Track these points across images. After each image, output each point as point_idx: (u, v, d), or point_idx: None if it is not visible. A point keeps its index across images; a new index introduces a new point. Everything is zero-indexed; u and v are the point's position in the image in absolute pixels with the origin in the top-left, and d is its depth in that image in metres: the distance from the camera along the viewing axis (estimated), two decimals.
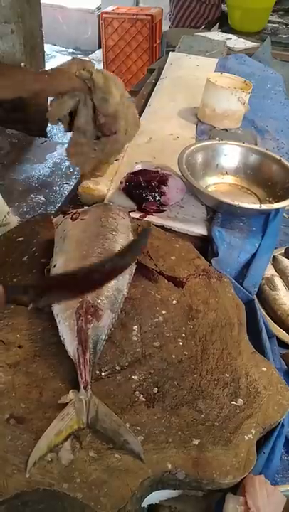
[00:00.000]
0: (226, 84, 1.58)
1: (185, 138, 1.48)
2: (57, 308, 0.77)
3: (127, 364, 0.74)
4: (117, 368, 0.73)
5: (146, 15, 4.44)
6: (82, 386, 0.67)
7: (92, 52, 5.83)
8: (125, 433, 0.62)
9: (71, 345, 0.71)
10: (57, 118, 1.09)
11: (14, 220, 1.21)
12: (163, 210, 1.16)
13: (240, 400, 0.70)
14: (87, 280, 0.71)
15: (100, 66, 5.00)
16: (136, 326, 0.81)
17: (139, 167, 1.19)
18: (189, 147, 1.27)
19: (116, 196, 1.18)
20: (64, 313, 0.75)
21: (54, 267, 0.84)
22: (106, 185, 1.23)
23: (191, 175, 1.17)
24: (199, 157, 1.28)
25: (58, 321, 0.75)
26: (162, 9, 4.55)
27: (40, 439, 0.61)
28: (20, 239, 1.00)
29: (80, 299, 0.75)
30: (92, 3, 5.83)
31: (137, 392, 0.70)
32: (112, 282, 0.79)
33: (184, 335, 0.80)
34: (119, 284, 0.81)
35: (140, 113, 1.66)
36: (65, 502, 0.57)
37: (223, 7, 3.15)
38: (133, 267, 0.87)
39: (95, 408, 0.65)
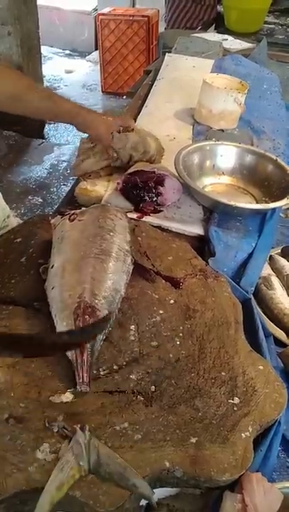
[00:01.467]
0: (222, 85, 1.59)
1: (182, 139, 1.49)
2: (54, 309, 0.77)
3: (124, 363, 0.75)
4: (115, 367, 0.74)
5: (143, 16, 4.45)
6: (78, 386, 0.68)
7: (89, 53, 5.84)
8: (132, 476, 0.59)
9: None
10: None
11: (14, 223, 1.21)
12: (160, 211, 1.17)
13: (237, 398, 0.71)
14: (40, 345, 0.65)
15: (96, 67, 5.03)
16: (133, 326, 0.81)
17: (135, 168, 1.19)
18: (186, 148, 1.27)
19: (113, 197, 1.19)
20: (62, 314, 0.75)
21: (52, 267, 0.85)
22: (103, 186, 1.24)
23: (187, 175, 1.17)
24: (196, 158, 1.29)
25: (55, 321, 0.76)
26: (159, 10, 4.56)
27: (41, 496, 0.56)
28: (18, 240, 1.00)
29: (78, 299, 0.75)
30: (88, 4, 5.83)
31: (135, 391, 0.71)
32: (110, 282, 0.80)
33: (181, 334, 0.81)
34: (117, 285, 0.82)
35: (137, 114, 1.67)
36: (64, 500, 0.57)
37: (219, 8, 3.16)
38: (131, 268, 0.87)
39: (96, 451, 0.60)
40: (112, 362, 0.75)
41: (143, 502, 0.64)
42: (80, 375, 0.69)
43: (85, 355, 0.70)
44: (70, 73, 5.42)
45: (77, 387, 0.68)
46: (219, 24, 3.13)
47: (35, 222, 1.08)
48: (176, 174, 1.20)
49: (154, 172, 1.17)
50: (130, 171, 1.18)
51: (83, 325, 0.72)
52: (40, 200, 3.14)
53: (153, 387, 0.72)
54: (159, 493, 0.65)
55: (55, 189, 3.26)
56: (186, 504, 0.66)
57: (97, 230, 0.90)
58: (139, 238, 1.03)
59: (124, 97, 4.73)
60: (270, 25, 3.09)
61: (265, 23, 3.06)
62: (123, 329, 0.80)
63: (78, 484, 0.58)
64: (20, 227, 1.07)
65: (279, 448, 0.71)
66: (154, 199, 1.16)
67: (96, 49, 5.35)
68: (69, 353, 0.71)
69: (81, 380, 0.68)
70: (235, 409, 0.69)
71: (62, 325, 0.74)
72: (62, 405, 0.68)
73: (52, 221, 0.99)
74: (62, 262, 0.84)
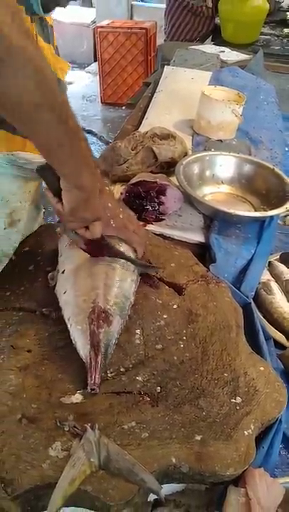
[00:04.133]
0: (220, 97, 1.63)
1: None
2: (69, 312, 0.81)
3: (131, 366, 0.78)
4: (121, 369, 0.77)
5: (141, 28, 4.52)
6: (89, 387, 0.71)
7: (88, 65, 5.92)
8: (140, 472, 0.61)
9: (84, 349, 0.75)
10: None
11: None
12: (162, 219, 1.21)
13: (240, 397, 0.74)
14: None
15: (95, 79, 5.09)
16: (139, 330, 0.85)
17: (138, 178, 1.23)
18: (186, 158, 1.31)
19: None
20: (76, 318, 0.79)
21: (63, 272, 0.88)
22: None
23: (188, 185, 1.21)
24: (196, 168, 1.33)
25: (69, 325, 0.79)
26: (156, 22, 4.64)
27: (54, 491, 0.59)
28: (26, 249, 1.04)
29: (92, 304, 0.79)
30: (87, 17, 5.93)
31: (142, 392, 0.74)
32: (120, 289, 0.84)
33: (184, 337, 0.84)
34: (127, 292, 0.86)
35: (138, 125, 1.72)
36: (76, 495, 0.60)
37: (216, 20, 3.22)
38: (138, 278, 0.92)
39: (106, 448, 0.63)
40: (119, 364, 0.78)
41: (151, 498, 0.67)
42: (93, 376, 0.71)
43: (99, 358, 0.73)
44: (70, 84, 5.49)
45: (88, 387, 0.71)
46: (216, 36, 3.20)
47: (41, 232, 1.11)
48: (177, 184, 1.24)
49: (155, 182, 1.21)
50: (133, 181, 1.22)
51: (97, 329, 0.76)
52: (43, 209, 3.18)
53: (158, 388, 0.75)
54: (166, 489, 0.68)
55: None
56: (192, 499, 0.69)
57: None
58: (144, 247, 1.06)
59: (124, 107, 4.80)
60: (266, 36, 3.15)
61: (261, 34, 3.11)
62: (129, 333, 0.83)
63: (89, 479, 0.61)
64: (28, 237, 1.11)
65: (280, 445, 0.74)
66: (156, 208, 1.20)
67: (95, 60, 5.43)
68: (83, 355, 0.74)
69: (93, 381, 0.71)
70: (237, 408, 0.72)
71: (76, 328, 0.77)
72: (72, 406, 0.71)
73: (57, 230, 1.03)
74: (74, 267, 0.88)
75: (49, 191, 0.80)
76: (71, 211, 0.79)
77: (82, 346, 0.75)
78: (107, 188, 0.92)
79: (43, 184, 0.84)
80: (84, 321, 0.78)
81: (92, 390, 0.71)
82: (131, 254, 0.93)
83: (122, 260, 0.90)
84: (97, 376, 0.72)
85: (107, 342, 0.76)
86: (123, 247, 0.92)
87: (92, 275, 0.85)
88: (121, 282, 0.86)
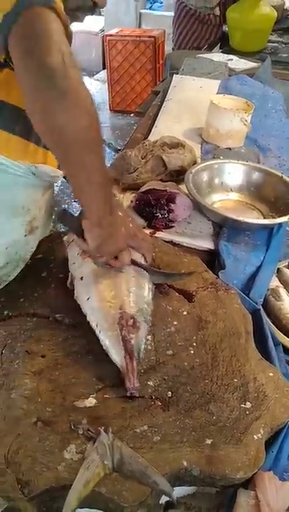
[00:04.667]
0: (228, 105, 1.65)
1: None
2: (96, 318, 0.83)
3: (142, 371, 0.80)
4: None
5: (149, 36, 4.56)
6: (129, 391, 0.74)
7: (97, 72, 5.97)
8: (153, 474, 0.63)
9: (118, 355, 0.78)
10: None
11: None
12: (171, 226, 1.23)
13: (249, 402, 0.75)
14: None
15: (104, 86, 5.14)
16: (150, 336, 0.86)
17: (148, 186, 1.26)
18: (195, 166, 1.34)
19: None
20: (105, 323, 0.81)
21: (82, 279, 0.91)
22: None
23: (197, 192, 1.23)
24: (205, 176, 1.35)
25: (98, 331, 0.81)
26: (165, 30, 4.68)
27: (69, 493, 0.61)
28: (39, 256, 1.06)
29: (120, 310, 0.82)
30: (95, 25, 5.98)
31: (153, 397, 0.75)
32: (142, 296, 0.87)
33: (194, 344, 0.86)
34: (147, 299, 0.88)
35: (147, 134, 1.74)
36: (91, 497, 0.62)
37: (224, 28, 3.25)
38: (152, 284, 0.94)
39: (119, 451, 0.65)
40: None
41: (162, 500, 0.69)
42: (131, 380, 0.74)
43: (134, 363, 0.76)
44: None
45: (128, 392, 0.74)
46: (224, 43, 3.22)
47: (53, 239, 1.14)
48: (187, 192, 1.26)
49: (165, 190, 1.23)
50: (143, 189, 1.25)
51: (128, 334, 0.79)
52: (53, 216, 3.20)
53: (169, 392, 0.76)
54: (177, 491, 0.69)
55: (66, 206, 3.33)
56: (203, 502, 0.70)
57: None
58: (152, 253, 1.08)
59: (132, 115, 4.84)
60: (273, 44, 3.16)
61: (269, 41, 3.12)
62: None
63: (103, 481, 0.63)
64: (40, 244, 1.13)
65: None
66: (166, 215, 1.22)
67: (104, 68, 5.48)
68: (118, 361, 0.77)
69: (132, 385, 0.74)
70: (247, 413, 0.74)
71: (106, 335, 0.80)
72: (86, 410, 0.73)
73: (65, 238, 1.05)
74: (92, 273, 0.90)
75: (72, 233, 0.86)
76: (97, 249, 0.84)
77: (116, 352, 0.78)
78: (116, 198, 0.96)
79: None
80: (114, 327, 0.80)
81: (131, 394, 0.74)
82: (141, 261, 0.95)
83: (138, 268, 0.92)
84: (135, 380, 0.74)
85: (138, 347, 0.79)
86: (134, 255, 0.94)
87: (114, 282, 0.88)
88: (141, 289, 0.89)
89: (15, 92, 0.80)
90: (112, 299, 0.84)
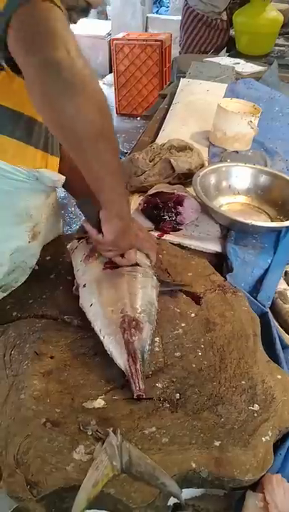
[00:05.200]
0: (235, 109, 1.66)
1: None
2: (99, 324, 0.83)
3: (150, 373, 0.80)
4: None
5: (156, 40, 4.58)
6: (135, 394, 0.74)
7: (104, 76, 6.00)
8: (161, 475, 0.63)
9: (121, 358, 0.78)
10: None
11: None
12: (179, 229, 1.23)
13: (257, 405, 0.75)
14: None
15: (111, 90, 5.16)
16: (158, 338, 0.87)
17: (156, 189, 1.26)
18: (203, 169, 1.34)
19: (135, 217, 1.24)
20: (108, 329, 0.81)
21: (84, 286, 0.91)
22: None
23: (205, 195, 1.24)
24: (212, 179, 1.35)
25: (102, 337, 0.82)
26: (171, 34, 4.69)
27: (78, 493, 0.61)
28: (48, 258, 1.07)
29: (121, 314, 0.82)
30: (102, 29, 6.02)
31: (161, 398, 0.76)
32: (145, 296, 0.88)
33: (202, 346, 0.86)
34: (150, 298, 0.88)
35: (154, 137, 1.75)
36: (99, 497, 0.62)
37: (231, 32, 3.26)
38: (158, 283, 0.94)
39: (128, 452, 0.65)
40: None
41: (170, 502, 0.69)
42: (137, 383, 0.74)
43: (138, 365, 0.76)
44: None
45: (134, 395, 0.74)
46: (231, 47, 3.23)
47: (61, 242, 1.14)
48: (194, 194, 1.27)
49: (173, 193, 1.23)
50: (151, 192, 1.25)
51: (131, 337, 0.79)
52: (61, 220, 3.21)
53: (178, 394, 0.76)
54: (186, 493, 0.69)
55: (73, 209, 3.34)
56: (211, 504, 0.70)
57: None
58: (160, 255, 1.09)
59: (138, 118, 4.85)
60: (280, 48, 3.16)
61: (276, 45, 3.13)
62: None
63: (112, 482, 0.63)
64: (49, 246, 1.14)
65: None
66: (174, 218, 1.23)
67: (110, 72, 5.50)
68: (122, 364, 0.77)
69: (138, 388, 0.74)
70: (255, 415, 0.74)
71: (109, 339, 0.80)
72: (95, 411, 0.73)
73: (68, 246, 1.06)
74: (94, 280, 0.91)
75: (88, 223, 0.86)
76: (113, 241, 0.85)
77: (119, 356, 0.78)
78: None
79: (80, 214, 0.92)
80: (116, 331, 0.80)
81: (138, 396, 0.74)
82: (145, 261, 0.96)
83: (141, 267, 0.93)
84: (140, 383, 0.74)
85: (142, 349, 0.79)
86: (137, 254, 0.95)
87: (115, 286, 0.88)
88: (144, 289, 0.89)
89: (12, 95, 0.80)
90: (114, 303, 0.85)
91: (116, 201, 0.80)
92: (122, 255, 0.90)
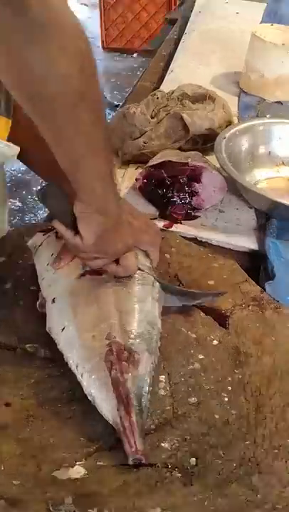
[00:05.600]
0: (278, 39, 1.66)
1: None
2: (75, 358, 0.82)
3: (153, 428, 0.80)
4: None
5: None
6: (131, 458, 0.73)
7: None
8: None
9: (108, 406, 0.76)
10: None
11: None
12: (196, 217, 1.24)
13: None
14: None
15: (94, 14, 5.16)
16: (163, 376, 0.86)
17: (161, 158, 1.26)
18: (230, 129, 1.34)
19: (130, 199, 1.25)
20: (88, 364, 0.81)
21: (54, 302, 0.91)
22: None
23: (233, 167, 1.24)
24: (244, 142, 1.36)
25: (79, 375, 0.81)
26: None
27: None
28: (2, 260, 1.07)
29: (107, 341, 0.81)
30: None
31: (169, 465, 0.75)
32: (141, 313, 0.88)
33: (229, 387, 0.86)
34: (150, 316, 0.88)
35: (158, 82, 1.75)
36: None
37: None
38: (162, 292, 0.94)
39: None
40: None
41: None
42: (131, 441, 0.73)
43: (134, 415, 0.75)
44: None
45: (130, 459, 0.73)
46: None
47: (15, 237, 1.14)
48: (218, 165, 1.27)
49: (186, 163, 1.23)
50: (153, 162, 1.25)
51: (122, 374, 0.78)
52: (19, 204, 3.21)
53: (193, 459, 0.76)
54: None
55: (38, 187, 3.35)
56: None
57: None
58: (167, 255, 1.09)
59: (135, 55, 4.87)
60: None
61: None
62: None
63: None
64: (2, 243, 1.13)
65: None
66: (187, 201, 1.24)
67: None
68: (109, 416, 0.76)
69: (134, 449, 0.72)
70: None
71: (91, 379, 0.79)
72: (71, 483, 0.72)
73: (29, 243, 1.06)
74: (68, 292, 0.91)
75: (59, 223, 0.85)
76: (95, 245, 0.85)
77: (105, 403, 0.77)
78: None
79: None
80: (100, 366, 0.79)
81: (135, 461, 0.73)
82: (143, 262, 0.96)
83: (138, 272, 0.93)
84: (137, 442, 0.72)
85: (139, 391, 0.78)
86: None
87: (98, 300, 0.88)
88: (140, 304, 0.89)
89: None
90: (96, 326, 0.84)
91: (98, 190, 0.80)
92: (117, 261, 0.90)
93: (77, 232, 0.84)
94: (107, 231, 0.84)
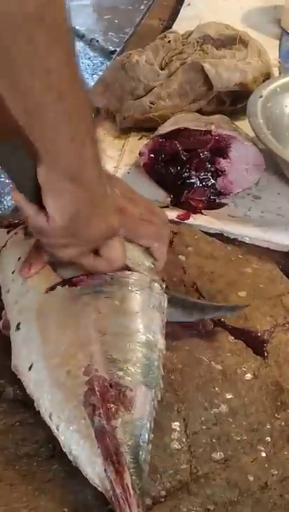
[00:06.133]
0: None
1: None
2: (46, 404, 0.82)
3: (164, 494, 0.80)
4: (148, 500, 0.78)
5: None
6: None
7: None
8: None
9: (91, 467, 0.75)
10: None
11: None
12: (221, 205, 1.24)
13: None
14: None
15: None
16: (177, 423, 0.87)
17: (174, 125, 1.26)
18: (268, 84, 1.34)
19: (131, 179, 1.25)
20: (63, 411, 0.80)
21: (18, 328, 0.90)
22: (111, 158, 1.31)
23: (273, 136, 1.24)
24: (288, 102, 1.35)
25: (54, 427, 0.80)
26: None
27: None
28: None
29: (86, 376, 0.80)
30: None
31: None
32: (132, 335, 0.86)
33: (268, 438, 0.86)
34: (148, 333, 0.86)
35: (171, 19, 1.75)
36: None
37: None
38: (163, 298, 0.92)
39: None
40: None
41: None
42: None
43: (127, 477, 0.73)
44: None
45: None
46: None
47: None
48: (252, 134, 1.27)
49: (209, 132, 1.23)
50: (164, 129, 1.25)
51: (108, 421, 0.77)
52: None
53: None
54: None
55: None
56: None
57: None
58: (181, 257, 1.09)
59: None
60: None
61: None
62: (159, 429, 0.85)
63: None
64: None
65: None
66: (211, 183, 1.24)
67: None
68: (96, 480, 0.75)
69: None
70: None
71: (68, 431, 0.78)
72: None
73: None
74: (34, 312, 0.90)
75: (18, 193, 0.83)
76: (66, 226, 0.82)
77: (89, 463, 0.76)
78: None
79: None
80: (79, 413, 0.78)
81: None
82: (143, 262, 0.95)
83: (126, 273, 0.91)
84: (133, 509, 0.72)
85: (134, 442, 0.76)
86: (127, 249, 0.94)
87: (73, 319, 0.87)
88: (132, 317, 0.88)
89: None
90: (71, 357, 0.83)
91: (68, 148, 0.77)
92: (97, 252, 0.90)
93: (42, 208, 0.81)
94: (83, 207, 0.81)
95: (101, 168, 0.83)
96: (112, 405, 0.77)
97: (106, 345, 0.84)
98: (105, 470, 0.74)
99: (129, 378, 0.81)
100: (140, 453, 0.76)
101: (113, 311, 0.88)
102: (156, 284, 0.93)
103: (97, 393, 0.78)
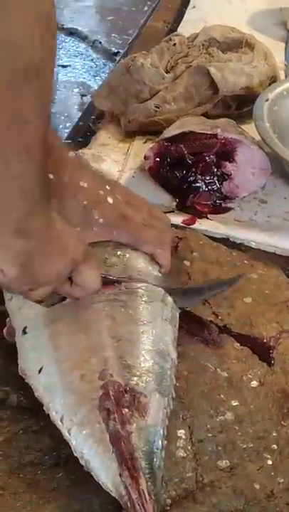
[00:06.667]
0: None
1: None
2: (57, 407, 0.82)
3: (169, 502, 0.79)
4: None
5: None
6: None
7: None
8: None
9: (107, 471, 0.75)
10: None
11: None
12: (227, 209, 1.24)
13: None
14: None
15: None
16: (183, 431, 0.86)
17: (179, 128, 1.26)
18: (274, 88, 1.34)
19: (136, 184, 1.26)
20: (77, 414, 0.80)
21: (25, 332, 0.91)
22: (116, 162, 1.31)
23: (279, 140, 1.24)
24: None
25: (65, 431, 0.80)
26: None
27: None
28: None
29: (101, 381, 0.80)
30: None
31: None
32: (147, 341, 0.87)
33: (274, 446, 0.86)
34: (161, 343, 0.88)
35: (176, 22, 1.75)
36: None
37: None
38: (176, 311, 0.94)
39: None
40: None
41: None
42: None
43: (143, 482, 0.74)
44: None
45: None
46: None
47: None
48: (258, 138, 1.27)
49: (215, 135, 1.23)
50: (169, 133, 1.25)
51: (123, 426, 0.77)
52: None
53: None
54: None
55: None
56: None
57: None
58: (186, 263, 1.09)
59: None
60: None
61: None
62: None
63: None
64: None
65: None
66: (216, 187, 1.24)
67: None
68: (110, 485, 0.75)
69: None
70: None
71: (81, 435, 0.78)
72: None
73: None
74: (43, 318, 0.90)
75: None
76: (21, 276, 0.80)
77: (102, 467, 0.76)
78: (72, 153, 0.95)
79: None
80: (93, 417, 0.79)
81: None
82: (149, 269, 0.95)
83: (139, 284, 0.93)
84: None
85: (148, 448, 0.77)
86: (130, 258, 0.95)
87: (86, 325, 0.88)
88: (145, 327, 0.88)
89: None
90: (85, 362, 0.84)
91: (10, 204, 0.74)
92: (71, 279, 0.87)
93: None
94: (34, 254, 0.79)
95: (50, 209, 0.81)
96: (126, 410, 0.78)
97: (120, 352, 0.84)
98: (120, 475, 0.74)
99: (144, 385, 0.82)
100: (154, 459, 0.76)
101: (127, 319, 0.89)
102: (168, 298, 0.94)
103: (112, 398, 0.79)
